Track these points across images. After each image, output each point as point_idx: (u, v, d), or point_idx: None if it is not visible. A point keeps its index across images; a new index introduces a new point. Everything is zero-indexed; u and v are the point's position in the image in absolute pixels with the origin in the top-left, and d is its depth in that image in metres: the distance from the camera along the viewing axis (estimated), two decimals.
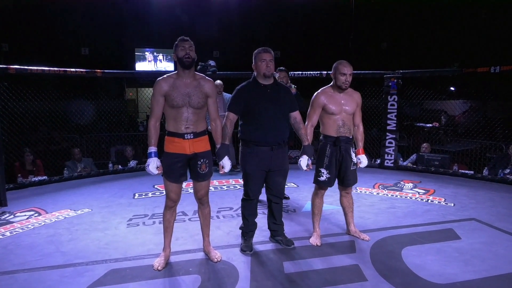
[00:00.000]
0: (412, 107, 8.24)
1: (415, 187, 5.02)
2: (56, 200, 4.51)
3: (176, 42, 2.69)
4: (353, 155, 3.18)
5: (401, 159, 6.55)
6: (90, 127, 6.85)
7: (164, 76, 2.72)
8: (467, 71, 5.60)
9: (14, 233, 3.47)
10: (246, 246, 3.04)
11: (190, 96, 2.64)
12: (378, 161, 6.31)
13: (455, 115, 9.79)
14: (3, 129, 4.62)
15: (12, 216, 3.93)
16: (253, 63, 2.92)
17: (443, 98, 9.81)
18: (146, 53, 15.01)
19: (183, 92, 2.63)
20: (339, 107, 3.08)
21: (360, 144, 3.24)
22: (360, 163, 3.21)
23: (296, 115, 3.03)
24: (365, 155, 3.25)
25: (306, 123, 3.11)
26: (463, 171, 5.77)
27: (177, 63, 2.68)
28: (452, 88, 11.85)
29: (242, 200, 3.10)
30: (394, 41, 14.02)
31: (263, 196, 3.18)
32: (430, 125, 9.47)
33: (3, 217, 3.91)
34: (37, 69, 5.09)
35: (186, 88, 2.65)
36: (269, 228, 3.24)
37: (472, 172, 5.71)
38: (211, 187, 4.53)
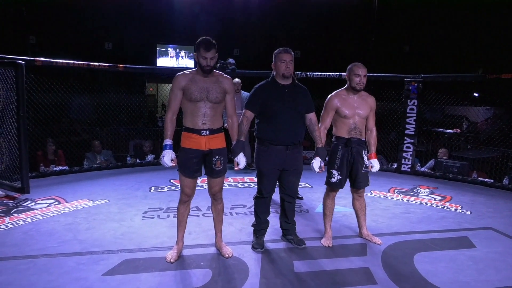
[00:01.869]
0: (433, 112, 8.11)
1: (431, 193, 4.94)
2: (75, 190, 4.64)
3: (199, 45, 2.65)
4: (365, 157, 3.17)
5: (419, 164, 6.45)
6: (110, 120, 7.00)
7: (184, 71, 2.78)
8: (490, 77, 5.48)
9: (35, 219, 3.61)
10: (258, 244, 3.08)
11: (208, 90, 2.69)
12: (395, 165, 6.24)
13: (478, 122, 9.57)
14: (28, 119, 4.78)
15: (33, 203, 4.08)
16: (273, 63, 2.95)
17: (466, 104, 9.61)
18: (169, 49, 15.20)
19: (202, 86, 2.68)
20: (352, 111, 3.08)
21: (373, 149, 3.22)
22: (372, 167, 3.20)
23: (312, 116, 3.04)
24: (379, 160, 3.24)
25: (319, 125, 3.12)
26: (482, 179, 5.65)
27: (197, 65, 2.72)
28: (475, 94, 11.58)
29: (255, 197, 3.13)
30: (416, 45, 13.78)
31: (275, 196, 3.21)
32: (451, 131, 9.29)
33: (25, 203, 4.06)
34: (62, 62, 5.25)
35: (205, 83, 2.70)
36: (281, 227, 3.26)
37: (492, 180, 5.58)
38: (225, 184, 4.60)
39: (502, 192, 5.14)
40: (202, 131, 2.72)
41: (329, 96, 3.16)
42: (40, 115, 5.52)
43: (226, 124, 2.91)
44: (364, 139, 3.19)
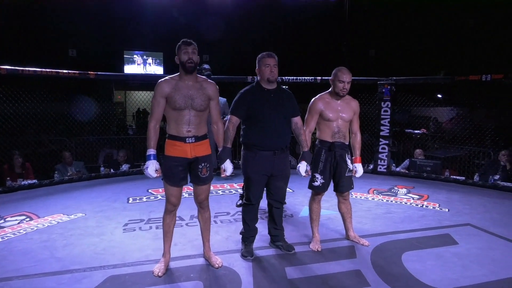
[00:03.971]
0: (401, 114, 8.36)
1: (409, 192, 5.06)
2: (47, 204, 4.39)
3: (179, 44, 2.66)
4: (348, 161, 3.19)
5: (394, 164, 6.61)
6: (78, 129, 6.72)
7: (166, 77, 2.69)
8: (458, 78, 5.70)
9: (6, 238, 3.37)
10: (247, 252, 3.01)
11: (193, 98, 2.61)
12: (371, 166, 6.36)
13: (442, 122, 9.97)
14: None
15: (2, 221, 3.81)
16: (257, 68, 2.91)
17: (432, 105, 10.01)
18: (135, 56, 14.90)
19: (186, 94, 2.60)
20: (335, 114, 3.10)
21: (358, 152, 3.25)
22: (356, 172, 3.22)
23: (297, 120, 3.03)
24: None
25: (304, 128, 3.11)
26: (454, 177, 5.85)
27: (179, 67, 2.65)
28: (439, 96, 12.08)
29: (243, 204, 3.07)
30: (381, 49, 14.25)
31: (262, 202, 3.16)
32: (419, 131, 9.62)
33: None
34: (29, 70, 4.98)
35: (189, 90, 2.62)
36: (269, 233, 3.21)
37: (463, 178, 5.80)
38: None
39: (474, 189, 5.34)
40: (187, 139, 2.64)
41: (313, 99, 3.16)
42: (5, 126, 5.20)
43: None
44: (347, 143, 3.21)
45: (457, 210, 4.31)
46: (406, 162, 6.54)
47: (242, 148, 3.01)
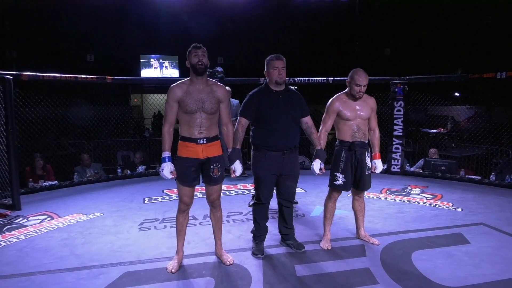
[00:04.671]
0: (417, 113, 8.28)
1: (422, 192, 5.04)
2: (67, 204, 4.57)
3: (189, 49, 2.75)
4: (367, 159, 3.22)
5: (408, 164, 6.57)
6: (96, 132, 6.92)
7: (178, 82, 2.78)
8: (473, 76, 5.64)
9: (29, 236, 3.53)
10: (258, 250, 3.08)
11: (203, 102, 2.70)
12: (385, 166, 6.33)
13: (460, 121, 9.82)
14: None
15: (25, 220, 3.99)
16: (265, 70, 2.98)
17: (448, 103, 9.86)
18: (152, 59, 15.15)
19: (197, 98, 2.69)
20: (353, 113, 3.13)
21: (377, 149, 3.28)
22: (375, 168, 3.25)
23: (307, 120, 3.08)
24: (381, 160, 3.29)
25: (320, 128, 3.16)
26: (470, 176, 5.78)
27: (190, 70, 2.75)
28: (456, 94, 11.90)
29: (254, 204, 3.15)
30: (397, 48, 14.09)
31: (272, 201, 3.22)
32: (436, 130, 9.51)
33: (17, 220, 3.98)
34: (49, 76, 5.18)
35: (200, 94, 2.71)
36: (280, 232, 3.28)
37: (479, 177, 5.72)
38: None
39: (490, 188, 5.27)
40: (199, 140, 2.72)
41: (330, 100, 3.20)
42: (27, 130, 5.42)
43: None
44: (367, 141, 3.23)
45: (470, 209, 4.27)
46: (421, 161, 6.49)
47: (252, 148, 3.09)
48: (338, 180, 3.18)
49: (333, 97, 3.20)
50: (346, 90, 3.19)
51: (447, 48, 13.12)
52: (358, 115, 3.13)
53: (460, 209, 4.27)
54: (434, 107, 8.26)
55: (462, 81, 7.70)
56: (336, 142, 3.24)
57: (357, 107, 3.13)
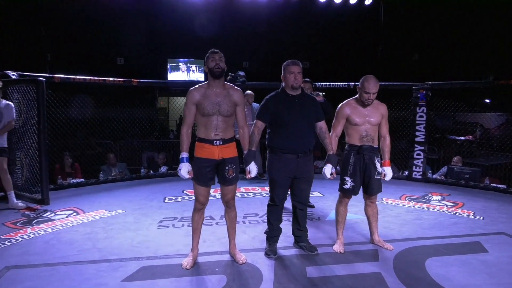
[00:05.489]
0: (444, 120, 8.09)
1: (443, 199, 4.95)
2: (92, 201, 4.78)
3: (207, 54, 2.88)
4: (377, 164, 3.23)
5: (430, 171, 6.45)
6: (123, 133, 7.17)
7: (196, 86, 2.90)
8: (499, 83, 5.50)
9: (55, 229, 3.74)
10: (271, 250, 3.14)
11: (220, 105, 2.80)
12: (406, 173, 6.25)
13: (490, 128, 9.50)
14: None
15: (53, 214, 4.22)
16: (282, 75, 3.06)
17: (477, 110, 9.57)
18: (180, 63, 15.49)
19: (214, 101, 2.79)
20: (362, 119, 3.15)
21: (387, 156, 3.26)
22: (385, 175, 3.25)
23: (322, 124, 3.12)
24: (391, 167, 3.27)
25: (330, 133, 3.20)
26: (495, 185, 5.62)
27: (208, 74, 2.86)
28: (486, 101, 11.52)
29: (268, 205, 3.21)
30: (425, 53, 13.78)
31: (287, 203, 3.28)
32: (464, 138, 9.25)
33: (45, 214, 4.21)
34: (79, 78, 5.45)
35: (217, 97, 2.81)
36: (293, 234, 3.33)
37: (504, 186, 5.56)
38: (237, 194, 4.68)
39: None
40: (215, 141, 2.82)
41: (340, 105, 3.24)
42: (58, 129, 5.71)
43: (237, 135, 3.00)
44: (376, 146, 3.24)
45: (492, 218, 4.17)
46: (444, 169, 6.36)
47: (268, 151, 3.16)
48: (347, 184, 3.20)
49: (343, 102, 3.24)
50: (357, 96, 3.21)
51: (478, 53, 12.73)
52: (367, 121, 3.15)
53: (481, 218, 4.18)
54: (462, 114, 8.04)
55: (493, 88, 7.47)
56: (346, 147, 3.27)
57: (366, 113, 3.15)
